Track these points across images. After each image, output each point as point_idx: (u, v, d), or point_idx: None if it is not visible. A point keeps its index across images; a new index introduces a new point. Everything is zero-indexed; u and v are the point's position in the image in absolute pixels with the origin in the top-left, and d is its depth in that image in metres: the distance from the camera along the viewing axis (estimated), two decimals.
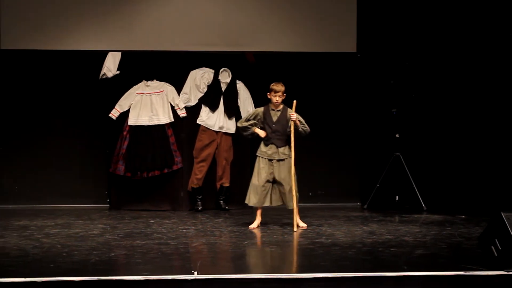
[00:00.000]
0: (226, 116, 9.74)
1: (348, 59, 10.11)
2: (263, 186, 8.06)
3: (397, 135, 9.97)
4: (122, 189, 9.83)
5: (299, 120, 8.03)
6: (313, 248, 6.88)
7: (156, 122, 9.71)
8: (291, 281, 5.48)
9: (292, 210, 8.02)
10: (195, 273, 5.51)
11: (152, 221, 8.66)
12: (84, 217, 8.96)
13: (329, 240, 7.26)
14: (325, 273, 5.58)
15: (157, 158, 9.65)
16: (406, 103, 10.21)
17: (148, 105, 9.72)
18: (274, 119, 8.11)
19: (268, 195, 8.11)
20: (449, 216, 9.03)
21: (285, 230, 7.96)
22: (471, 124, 10.13)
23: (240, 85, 9.86)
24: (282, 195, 8.07)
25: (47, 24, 9.32)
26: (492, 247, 5.87)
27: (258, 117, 8.18)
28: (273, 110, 8.14)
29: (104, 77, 9.74)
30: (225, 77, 9.77)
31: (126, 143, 9.66)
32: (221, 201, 9.77)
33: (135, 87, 9.80)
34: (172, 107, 9.75)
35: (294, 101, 8.00)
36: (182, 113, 9.76)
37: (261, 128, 8.17)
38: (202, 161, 9.73)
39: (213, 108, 9.72)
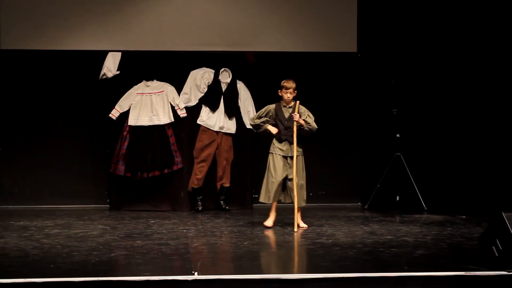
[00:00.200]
0: (226, 116, 9.73)
1: (348, 59, 10.10)
2: (279, 182, 8.07)
3: (397, 135, 9.97)
4: (122, 190, 9.82)
5: (304, 120, 8.05)
6: (314, 248, 6.88)
7: (156, 122, 9.70)
8: (292, 282, 5.48)
9: (293, 211, 8.01)
10: (195, 273, 5.51)
11: (152, 221, 8.65)
12: (84, 217, 8.96)
13: (330, 241, 7.25)
14: (326, 274, 5.59)
15: (157, 159, 9.64)
16: (407, 103, 10.20)
17: (148, 105, 9.71)
18: (286, 115, 8.13)
19: (282, 192, 8.13)
20: (450, 216, 9.03)
21: (286, 231, 7.95)
22: (472, 124, 10.12)
23: (240, 85, 9.85)
24: (291, 192, 8.07)
25: (47, 24, 9.32)
26: (493, 247, 5.86)
27: (270, 114, 8.20)
28: (285, 106, 8.16)
29: (104, 77, 9.73)
30: (225, 77, 9.77)
31: (126, 143, 9.65)
32: (222, 202, 9.75)
33: (135, 87, 9.79)
34: (172, 107, 9.74)
35: (297, 102, 8.02)
36: (182, 113, 9.75)
37: (273, 125, 8.19)
38: (203, 161, 9.72)
39: (214, 108, 9.72)
